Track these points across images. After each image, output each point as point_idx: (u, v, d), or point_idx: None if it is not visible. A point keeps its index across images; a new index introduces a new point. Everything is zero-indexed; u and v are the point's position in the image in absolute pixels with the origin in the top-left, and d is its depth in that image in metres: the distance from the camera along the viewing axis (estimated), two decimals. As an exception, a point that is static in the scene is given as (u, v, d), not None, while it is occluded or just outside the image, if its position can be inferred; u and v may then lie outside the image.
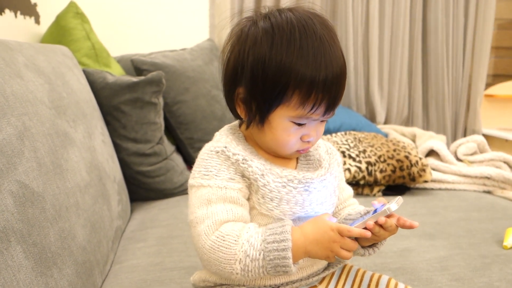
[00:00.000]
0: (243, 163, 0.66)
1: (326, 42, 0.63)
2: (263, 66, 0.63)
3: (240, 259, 0.60)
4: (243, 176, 0.66)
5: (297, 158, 0.75)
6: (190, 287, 0.84)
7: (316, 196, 0.69)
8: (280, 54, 0.62)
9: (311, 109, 0.64)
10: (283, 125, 0.66)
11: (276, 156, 0.71)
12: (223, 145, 0.67)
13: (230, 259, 0.60)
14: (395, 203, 0.62)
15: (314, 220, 0.64)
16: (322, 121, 0.68)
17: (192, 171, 0.69)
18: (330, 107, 0.65)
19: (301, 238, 0.62)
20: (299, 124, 0.66)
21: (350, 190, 0.82)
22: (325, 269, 0.75)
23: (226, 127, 0.74)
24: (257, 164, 0.66)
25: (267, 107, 0.65)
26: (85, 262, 0.81)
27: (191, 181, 0.68)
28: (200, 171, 0.67)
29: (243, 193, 0.66)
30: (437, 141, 1.71)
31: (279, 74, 0.62)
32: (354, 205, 0.81)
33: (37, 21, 1.51)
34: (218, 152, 0.67)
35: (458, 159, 1.73)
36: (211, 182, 0.65)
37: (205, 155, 0.68)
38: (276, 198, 0.66)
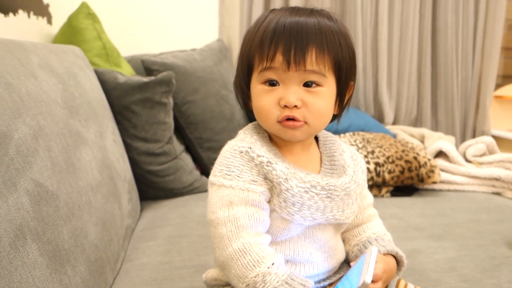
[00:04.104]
0: (267, 166, 0.65)
1: (298, 15, 0.65)
2: (240, 49, 0.70)
3: (248, 284, 0.60)
4: (265, 178, 0.65)
5: (321, 162, 0.73)
6: (200, 285, 0.86)
7: (338, 203, 0.69)
8: (249, 32, 0.69)
9: (267, 58, 0.63)
10: (256, 90, 0.67)
11: (288, 147, 0.70)
12: (248, 146, 0.66)
13: (241, 277, 0.61)
14: (369, 276, 0.61)
15: None
16: (305, 85, 0.64)
17: (214, 168, 0.68)
18: (292, 53, 0.62)
19: None
20: (270, 84, 0.65)
21: (370, 198, 0.82)
22: (336, 272, 0.76)
23: (250, 125, 0.73)
24: (281, 168, 0.65)
25: (246, 80, 0.69)
26: (97, 259, 0.83)
27: (212, 179, 0.67)
28: (222, 169, 0.66)
29: (265, 196, 0.66)
30: (446, 142, 1.71)
31: (247, 47, 0.68)
32: (375, 223, 0.80)
33: (49, 22, 1.53)
34: (242, 152, 0.66)
35: (467, 160, 1.72)
36: (233, 183, 0.64)
37: (228, 153, 0.67)
38: (298, 203, 0.65)
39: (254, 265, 0.60)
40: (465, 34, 2.18)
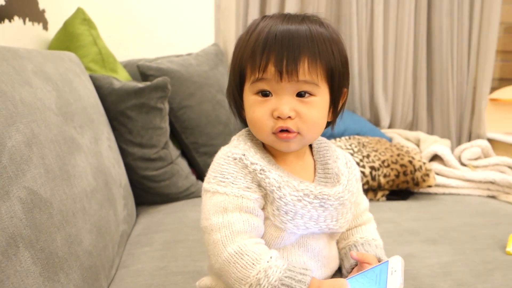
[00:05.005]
0: (260, 174, 0.65)
1: (289, 23, 0.65)
2: (232, 57, 0.70)
3: (251, 284, 0.59)
4: (259, 185, 0.65)
5: (315, 170, 0.73)
6: (195, 291, 0.86)
7: (331, 213, 0.69)
8: (240, 40, 0.69)
9: (259, 69, 0.63)
10: (249, 101, 0.67)
11: (282, 156, 0.70)
12: (242, 153, 0.66)
13: (242, 279, 0.60)
14: (401, 283, 0.62)
15: (336, 284, 0.62)
16: (298, 95, 0.64)
17: (207, 175, 0.68)
18: (284, 64, 0.61)
19: None
20: (263, 95, 0.65)
21: (366, 203, 0.82)
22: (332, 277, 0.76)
23: (244, 131, 0.73)
24: (274, 176, 0.65)
25: (238, 90, 0.69)
26: (91, 266, 0.83)
27: (206, 186, 0.67)
28: (216, 176, 0.66)
29: (259, 203, 0.66)
30: (441, 146, 1.71)
31: (238, 55, 0.68)
32: (366, 226, 0.80)
33: (45, 27, 1.53)
34: (236, 159, 0.66)
35: (462, 164, 1.73)
36: (227, 189, 0.64)
37: (222, 160, 0.67)
38: (291, 211, 0.65)
39: (253, 264, 0.60)
40: (460, 37, 2.19)
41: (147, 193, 1.42)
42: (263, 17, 0.69)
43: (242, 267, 0.60)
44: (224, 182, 0.65)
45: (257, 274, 0.59)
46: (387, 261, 0.67)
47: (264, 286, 0.59)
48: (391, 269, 0.64)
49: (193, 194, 1.48)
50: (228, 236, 0.62)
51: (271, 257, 0.61)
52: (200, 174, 1.60)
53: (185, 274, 0.96)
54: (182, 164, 1.50)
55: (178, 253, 1.06)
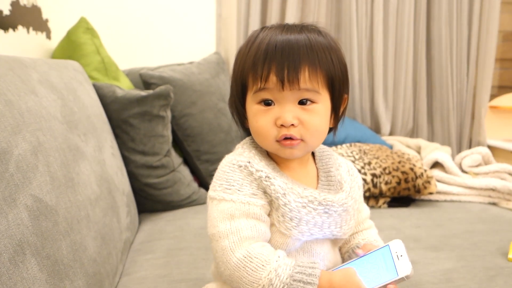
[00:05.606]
0: (266, 181, 0.66)
1: (288, 33, 0.66)
2: (233, 69, 0.72)
3: (263, 285, 0.60)
4: (264, 192, 0.66)
5: (318, 178, 0.74)
6: (198, 299, 0.86)
7: (335, 219, 0.70)
8: (240, 52, 0.70)
9: (261, 79, 0.64)
10: (252, 110, 0.68)
11: (285, 163, 0.71)
12: (247, 160, 0.67)
13: (254, 282, 0.61)
14: (412, 268, 0.63)
15: (346, 273, 0.63)
16: (300, 103, 0.65)
17: (213, 183, 0.69)
18: (285, 73, 0.63)
19: (327, 285, 0.61)
20: (266, 104, 0.66)
21: (367, 211, 0.83)
22: None
23: (248, 140, 0.74)
24: (279, 182, 0.66)
25: (240, 100, 0.70)
26: (96, 273, 0.83)
27: (212, 193, 0.68)
28: (222, 184, 0.66)
29: (265, 209, 0.66)
30: (442, 153, 1.72)
31: (240, 67, 0.69)
32: (368, 231, 0.81)
33: (48, 36, 1.54)
34: (241, 167, 0.67)
35: (463, 171, 1.73)
36: (234, 196, 0.65)
37: (227, 168, 0.67)
38: (296, 218, 0.66)
39: (263, 265, 0.61)
40: (459, 46, 2.21)
41: (149, 200, 1.42)
42: (262, 28, 0.71)
43: (252, 270, 0.61)
44: (230, 189, 0.66)
45: (268, 275, 0.60)
46: (387, 245, 0.68)
47: (276, 285, 0.60)
48: (395, 253, 0.65)
49: (195, 201, 1.48)
50: (236, 242, 0.63)
51: (279, 257, 0.62)
52: (202, 182, 1.61)
53: (188, 282, 0.96)
54: (184, 172, 1.50)
55: (180, 261, 1.06)
